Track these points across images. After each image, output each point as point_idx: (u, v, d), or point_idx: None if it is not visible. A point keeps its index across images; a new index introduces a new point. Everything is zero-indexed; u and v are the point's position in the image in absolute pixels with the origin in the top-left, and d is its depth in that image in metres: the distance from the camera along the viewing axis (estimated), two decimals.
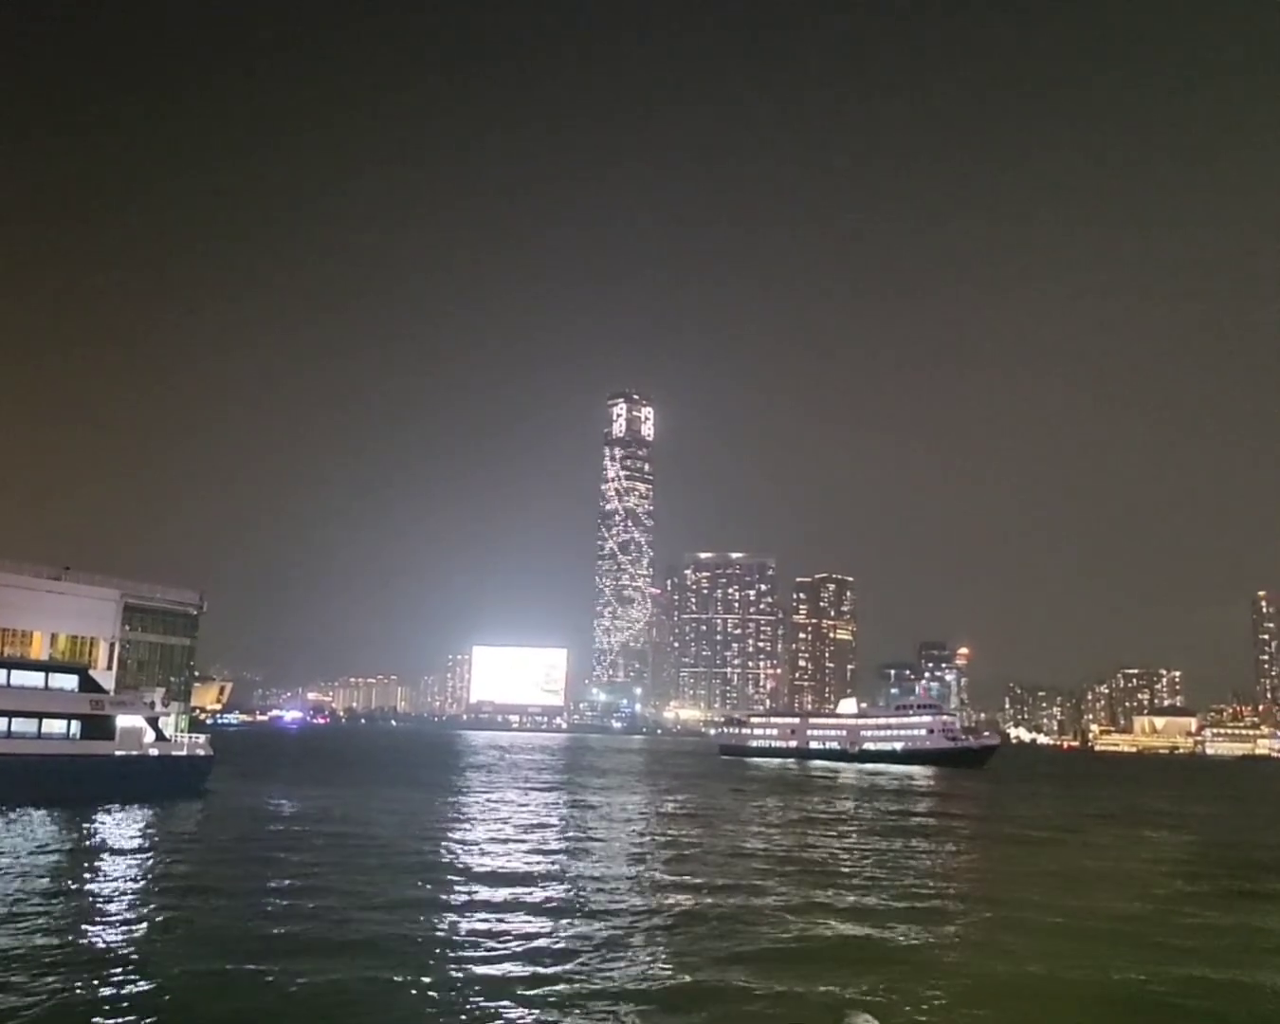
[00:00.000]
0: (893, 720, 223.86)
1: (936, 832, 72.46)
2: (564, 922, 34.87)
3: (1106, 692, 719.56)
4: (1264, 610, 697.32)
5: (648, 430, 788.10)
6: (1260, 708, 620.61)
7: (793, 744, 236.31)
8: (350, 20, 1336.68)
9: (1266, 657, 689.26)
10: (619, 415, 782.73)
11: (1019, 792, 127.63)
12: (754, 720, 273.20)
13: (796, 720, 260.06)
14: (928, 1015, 25.49)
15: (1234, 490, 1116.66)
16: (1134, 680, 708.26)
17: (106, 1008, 23.70)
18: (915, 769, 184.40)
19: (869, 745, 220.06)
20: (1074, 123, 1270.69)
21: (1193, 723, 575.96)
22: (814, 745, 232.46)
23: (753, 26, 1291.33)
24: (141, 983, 25.63)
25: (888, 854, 56.66)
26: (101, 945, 29.42)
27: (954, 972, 29.53)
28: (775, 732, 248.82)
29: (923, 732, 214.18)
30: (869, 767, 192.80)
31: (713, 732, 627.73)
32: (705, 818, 75.43)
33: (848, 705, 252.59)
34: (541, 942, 31.84)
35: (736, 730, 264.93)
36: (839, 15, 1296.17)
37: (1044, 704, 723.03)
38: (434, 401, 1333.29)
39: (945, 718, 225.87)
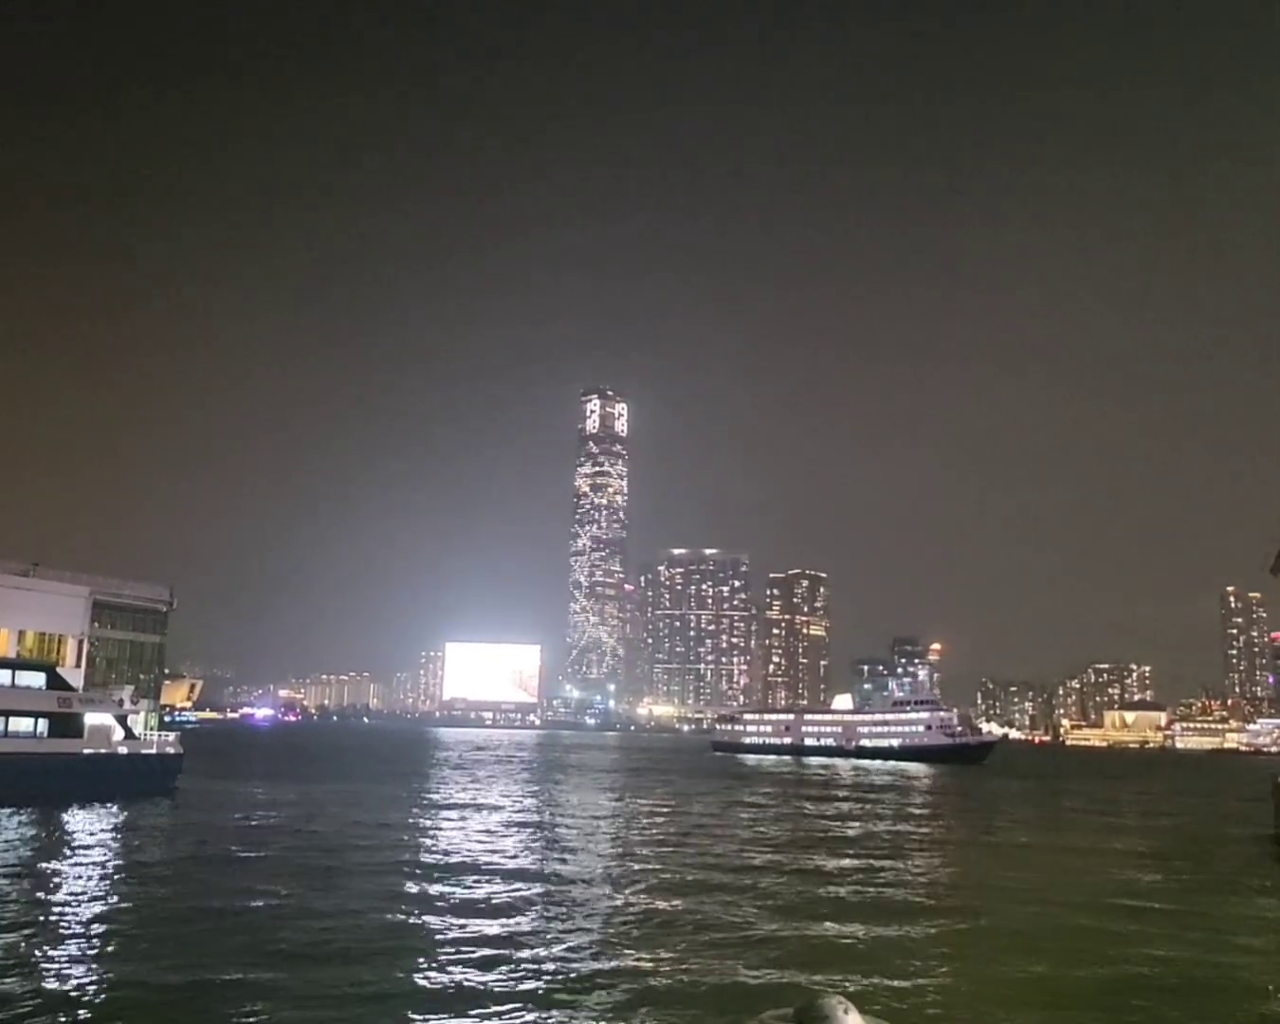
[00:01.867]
0: (889, 717, 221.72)
1: (954, 836, 72.50)
2: (550, 927, 34.58)
3: (1078, 686, 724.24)
4: (1232, 606, 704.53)
5: (621, 426, 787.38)
6: (1229, 702, 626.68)
7: (787, 740, 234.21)
8: (339, 16, 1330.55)
9: (1235, 651, 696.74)
10: (592, 411, 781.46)
11: (1029, 790, 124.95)
12: (748, 717, 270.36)
13: (791, 717, 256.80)
14: (904, 998, 25.40)
15: (1202, 487, 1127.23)
16: (1104, 675, 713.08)
17: (66, 1013, 23.14)
18: (913, 766, 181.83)
19: (865, 742, 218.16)
20: (1062, 122, 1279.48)
21: (1162, 717, 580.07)
22: (809, 742, 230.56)
23: (733, 27, 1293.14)
24: (104, 988, 25.08)
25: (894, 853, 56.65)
26: (63, 949, 28.81)
27: (937, 969, 29.44)
28: (769, 728, 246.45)
29: (920, 728, 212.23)
30: (865, 763, 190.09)
31: (686, 728, 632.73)
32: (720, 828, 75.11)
33: (843, 701, 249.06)
34: (525, 951, 31.50)
35: (730, 727, 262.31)
36: (818, 16, 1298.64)
37: (1016, 699, 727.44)
38: (406, 397, 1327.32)
39: (943, 714, 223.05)
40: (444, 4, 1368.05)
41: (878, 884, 43.93)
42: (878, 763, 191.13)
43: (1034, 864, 52.07)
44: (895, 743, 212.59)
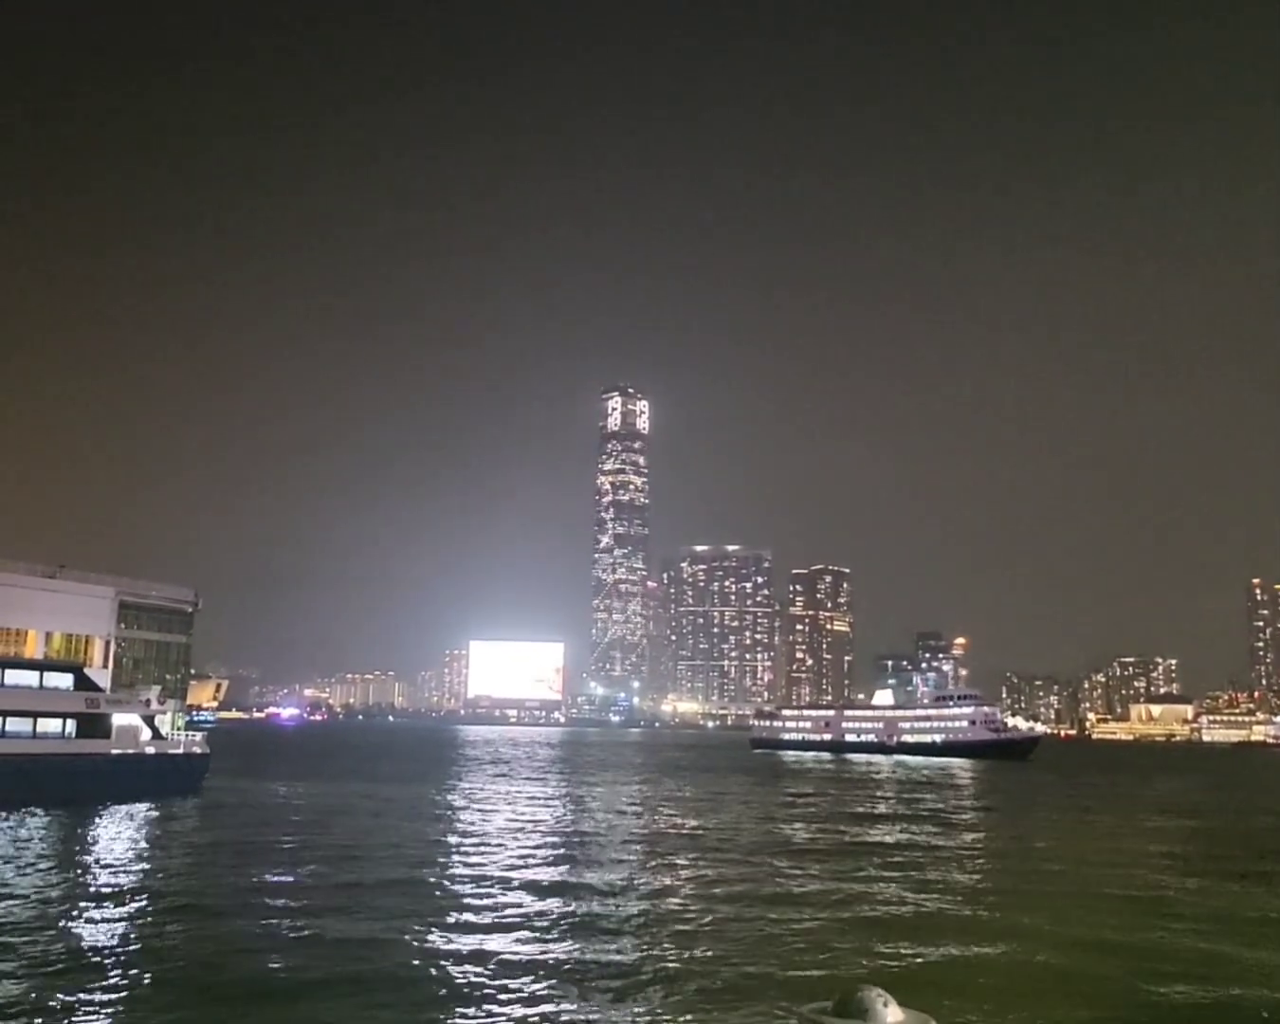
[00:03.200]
0: (932, 712, 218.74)
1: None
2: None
3: (1103, 680, 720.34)
4: (1258, 598, 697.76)
5: (643, 424, 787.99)
6: (1255, 694, 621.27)
7: (827, 737, 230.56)
8: (350, 13, 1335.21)
9: (1261, 644, 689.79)
10: (614, 409, 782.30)
11: (1089, 788, 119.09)
12: (786, 713, 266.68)
13: (831, 713, 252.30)
14: (941, 991, 25.15)
15: (1228, 479, 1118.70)
16: (1130, 669, 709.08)
17: (97, 1015, 23.14)
18: (957, 762, 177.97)
19: (907, 737, 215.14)
20: (1061, 111, 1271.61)
21: (1189, 710, 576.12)
22: (849, 738, 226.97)
23: (749, 33, 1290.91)
24: (135, 991, 24.99)
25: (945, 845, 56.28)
26: (95, 950, 28.76)
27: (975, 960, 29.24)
28: (809, 724, 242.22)
29: (964, 723, 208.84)
30: (908, 759, 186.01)
31: (711, 725, 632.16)
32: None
33: (884, 697, 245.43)
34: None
35: (768, 723, 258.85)
36: (832, 23, 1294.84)
37: (1041, 693, 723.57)
38: (429, 396, 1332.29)
39: (986, 709, 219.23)
40: (455, 4, 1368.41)
41: (934, 888, 43.22)
42: (920, 759, 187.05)
43: (1107, 874, 50.70)
44: (938, 739, 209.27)
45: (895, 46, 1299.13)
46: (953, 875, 46.11)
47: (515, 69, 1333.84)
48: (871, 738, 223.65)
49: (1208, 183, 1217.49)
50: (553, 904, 36.70)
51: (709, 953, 29.70)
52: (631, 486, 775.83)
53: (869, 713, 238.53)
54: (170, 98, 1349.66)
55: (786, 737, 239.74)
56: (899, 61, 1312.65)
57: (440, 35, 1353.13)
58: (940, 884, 43.28)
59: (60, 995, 24.08)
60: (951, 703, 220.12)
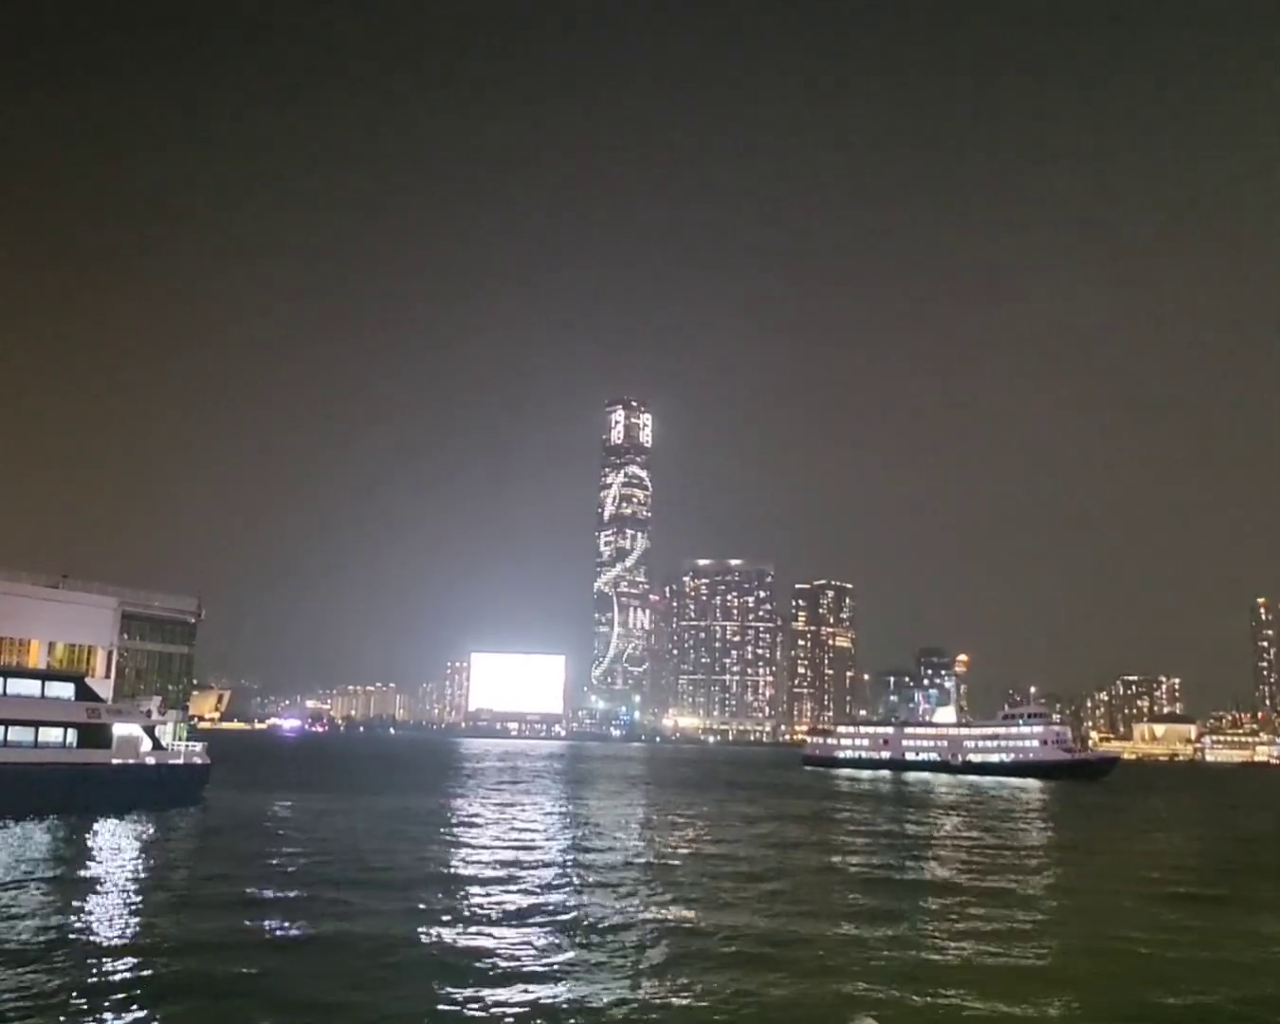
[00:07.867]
0: (999, 730, 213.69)
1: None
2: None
3: (1106, 699, 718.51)
4: (1263, 618, 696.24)
5: (646, 437, 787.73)
6: (1259, 715, 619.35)
7: (886, 755, 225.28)
8: (347, 11, 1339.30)
9: (1266, 664, 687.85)
10: (617, 422, 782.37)
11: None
12: (841, 730, 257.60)
13: (890, 730, 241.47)
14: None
15: (1233, 498, 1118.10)
16: (1133, 688, 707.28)
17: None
18: (1030, 783, 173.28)
19: (973, 757, 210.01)
20: (1068, 129, 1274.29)
21: (1192, 730, 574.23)
22: (909, 756, 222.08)
23: (749, 27, 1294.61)
24: (133, 1001, 24.92)
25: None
26: (93, 960, 28.64)
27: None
28: (866, 742, 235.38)
29: (1034, 742, 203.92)
30: (974, 779, 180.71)
31: (712, 740, 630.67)
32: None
33: (945, 714, 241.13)
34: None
35: (822, 740, 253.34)
36: (841, 16, 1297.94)
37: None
38: (431, 408, 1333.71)
39: (1057, 728, 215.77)
40: (449, 3, 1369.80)
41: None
42: (988, 779, 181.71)
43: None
44: (1006, 758, 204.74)
45: (908, 44, 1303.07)
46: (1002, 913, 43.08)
47: (512, 75, 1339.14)
48: (934, 756, 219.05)
49: (1223, 206, 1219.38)
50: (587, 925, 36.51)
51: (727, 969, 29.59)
52: (634, 500, 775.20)
53: (931, 730, 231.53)
54: (175, 97, 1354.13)
55: (842, 754, 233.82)
56: (911, 66, 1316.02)
57: (436, 34, 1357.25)
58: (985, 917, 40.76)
59: (56, 1006, 24.00)
60: (1020, 721, 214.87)
